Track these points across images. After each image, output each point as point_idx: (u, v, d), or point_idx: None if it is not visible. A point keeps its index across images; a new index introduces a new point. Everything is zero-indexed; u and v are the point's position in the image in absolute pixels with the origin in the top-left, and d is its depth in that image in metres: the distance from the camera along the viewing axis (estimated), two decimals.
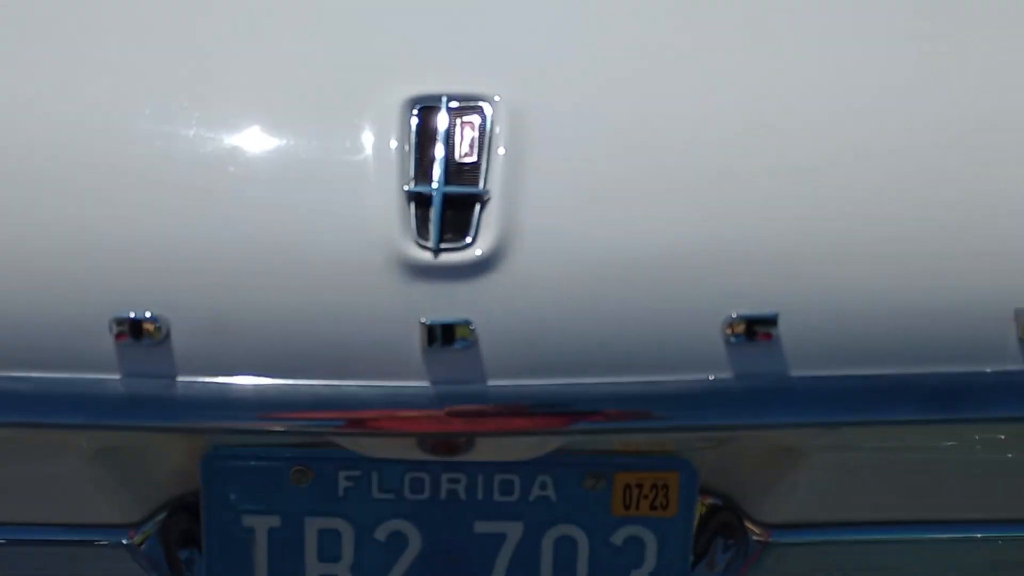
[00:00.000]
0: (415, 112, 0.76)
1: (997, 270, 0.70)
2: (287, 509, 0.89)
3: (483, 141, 0.74)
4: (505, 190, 0.71)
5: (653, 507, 0.89)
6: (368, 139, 0.74)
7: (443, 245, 0.70)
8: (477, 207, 0.71)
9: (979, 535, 0.90)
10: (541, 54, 0.82)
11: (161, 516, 0.93)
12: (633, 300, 0.69)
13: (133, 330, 0.67)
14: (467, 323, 0.68)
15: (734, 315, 0.68)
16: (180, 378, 0.68)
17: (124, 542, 0.90)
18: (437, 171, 0.72)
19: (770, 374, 0.69)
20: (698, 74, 0.81)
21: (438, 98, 0.76)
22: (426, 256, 0.70)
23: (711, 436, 0.80)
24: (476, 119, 0.75)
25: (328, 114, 0.77)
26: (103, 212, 0.71)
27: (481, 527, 0.89)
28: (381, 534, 0.90)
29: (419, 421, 0.69)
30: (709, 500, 0.90)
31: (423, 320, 0.67)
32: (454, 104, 0.76)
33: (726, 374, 0.69)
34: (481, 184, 0.72)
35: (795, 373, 0.69)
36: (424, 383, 0.68)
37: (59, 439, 0.81)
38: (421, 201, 0.71)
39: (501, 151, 0.73)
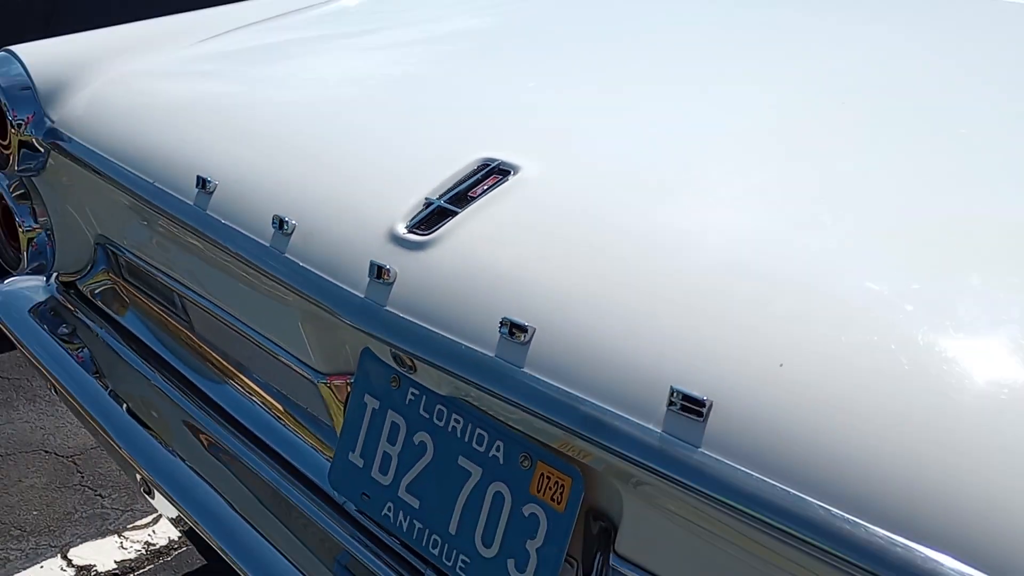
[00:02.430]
0: (478, 164, 1.18)
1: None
2: (384, 400, 1.35)
3: (492, 187, 1.13)
4: (468, 218, 1.09)
5: (553, 499, 1.16)
6: (444, 171, 1.18)
7: (416, 230, 1.12)
8: (450, 218, 1.11)
9: None
10: (570, 141, 1.17)
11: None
12: (479, 315, 1.03)
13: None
14: (388, 269, 1.09)
15: (506, 318, 0.97)
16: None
17: (318, 382, 1.46)
18: (448, 193, 1.13)
19: None
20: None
21: (493, 160, 1.17)
22: (400, 231, 1.13)
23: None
24: (503, 174, 1.14)
25: (437, 154, 1.22)
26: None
27: (462, 461, 1.25)
28: (416, 439, 1.31)
29: (349, 312, 1.13)
30: (589, 513, 1.13)
31: (371, 259, 1.11)
32: (501, 165, 1.16)
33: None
34: (464, 209, 1.11)
35: None
36: (359, 294, 1.11)
37: (290, 299, 1.39)
38: (430, 205, 1.14)
39: (494, 194, 1.11)
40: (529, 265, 1.03)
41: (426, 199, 1.16)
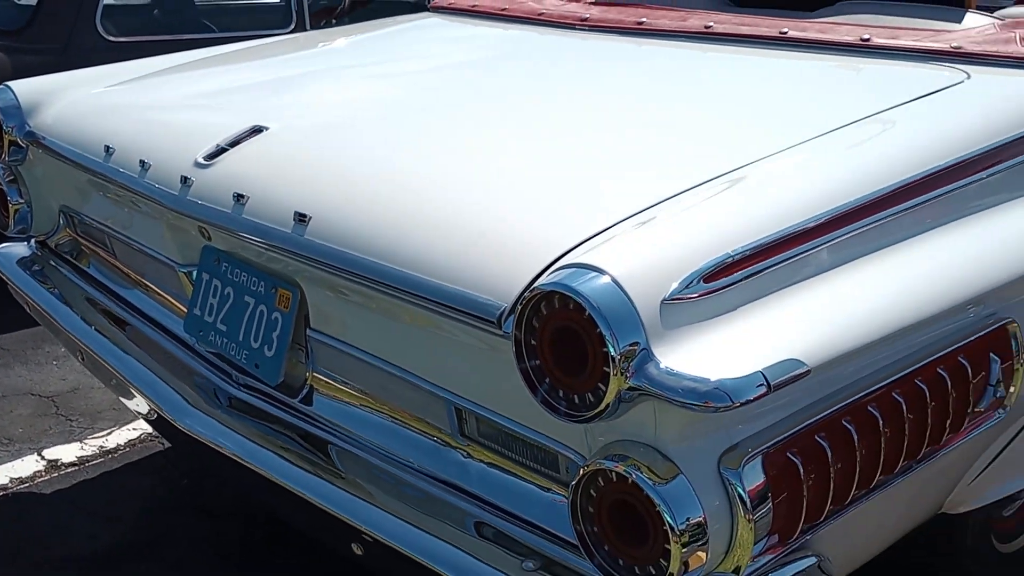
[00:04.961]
0: (250, 127, 2.16)
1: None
2: (211, 273, 2.30)
3: (251, 137, 2.11)
4: (233, 152, 2.07)
5: (285, 307, 2.10)
6: (231, 131, 2.16)
7: (206, 159, 2.09)
8: (224, 153, 2.08)
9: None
10: (300, 118, 2.16)
11: None
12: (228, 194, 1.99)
13: None
14: (189, 178, 2.07)
15: (236, 192, 1.94)
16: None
17: (179, 271, 2.41)
18: (228, 140, 2.11)
19: None
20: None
21: (258, 125, 2.15)
22: (200, 160, 2.10)
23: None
24: (259, 132, 2.13)
25: (231, 124, 2.20)
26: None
27: (246, 298, 2.19)
28: (226, 291, 2.25)
29: (169, 201, 2.10)
30: (302, 312, 2.07)
31: (180, 174, 2.08)
32: (261, 127, 2.15)
33: None
34: (233, 148, 2.09)
35: None
36: (174, 192, 2.09)
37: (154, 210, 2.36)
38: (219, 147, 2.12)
39: (250, 141, 2.09)
40: (252, 165, 2.01)
41: (217, 144, 2.13)
